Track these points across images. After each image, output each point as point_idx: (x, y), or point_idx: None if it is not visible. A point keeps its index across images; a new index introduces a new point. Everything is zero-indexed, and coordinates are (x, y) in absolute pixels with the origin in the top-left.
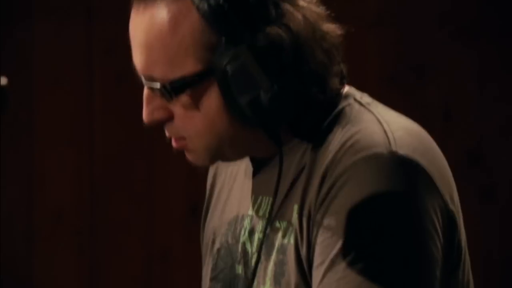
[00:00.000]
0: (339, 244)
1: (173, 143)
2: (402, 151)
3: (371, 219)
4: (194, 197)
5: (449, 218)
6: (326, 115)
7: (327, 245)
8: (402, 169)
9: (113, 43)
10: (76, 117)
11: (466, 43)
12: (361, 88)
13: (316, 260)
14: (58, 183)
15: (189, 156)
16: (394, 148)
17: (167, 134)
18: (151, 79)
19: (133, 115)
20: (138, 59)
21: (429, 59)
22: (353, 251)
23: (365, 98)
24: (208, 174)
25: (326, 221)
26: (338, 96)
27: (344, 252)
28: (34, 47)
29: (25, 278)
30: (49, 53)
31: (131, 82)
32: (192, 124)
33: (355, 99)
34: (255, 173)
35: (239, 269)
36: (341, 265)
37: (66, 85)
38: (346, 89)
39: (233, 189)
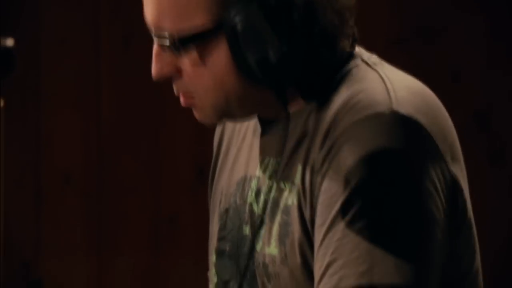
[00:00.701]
0: (338, 204)
1: (181, 100)
2: (403, 110)
3: (370, 179)
4: (201, 159)
5: (451, 180)
6: (334, 76)
7: (327, 205)
8: (403, 128)
9: (120, 4)
10: (83, 79)
11: (475, 5)
12: (369, 50)
13: (317, 220)
14: (65, 146)
15: (197, 114)
16: (395, 107)
17: (175, 90)
18: (160, 32)
19: (140, 77)
20: (149, 9)
21: (438, 21)
22: (352, 210)
23: (373, 58)
24: (215, 135)
25: (326, 181)
26: (347, 58)
27: (343, 212)
28: (40, 9)
29: (33, 240)
30: (56, 14)
31: (138, 44)
32: (200, 81)
33: (363, 60)
34: (263, 134)
35: (246, 230)
36: (340, 225)
37: (73, 47)
38: (355, 50)
39: (242, 149)
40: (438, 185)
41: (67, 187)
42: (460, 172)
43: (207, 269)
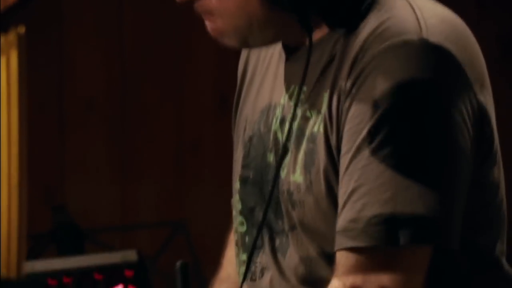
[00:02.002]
0: (364, 131)
1: (206, 24)
2: (433, 38)
3: (397, 106)
4: (224, 86)
5: (479, 109)
6: (361, 3)
7: (353, 132)
8: (433, 56)
9: None
10: (105, 6)
11: None
12: None
13: (343, 147)
14: (88, 72)
15: (219, 37)
16: (425, 35)
17: (198, 11)
18: None
19: (163, 2)
20: None
21: None
22: (378, 138)
23: None
24: (239, 63)
25: (353, 109)
26: None
27: (369, 139)
28: None
29: (57, 165)
30: None
31: None
32: (223, 3)
33: None
34: (287, 61)
35: (270, 158)
36: (365, 152)
37: None
38: None
39: (266, 77)
40: (466, 115)
41: (90, 113)
42: (488, 100)
43: (230, 195)
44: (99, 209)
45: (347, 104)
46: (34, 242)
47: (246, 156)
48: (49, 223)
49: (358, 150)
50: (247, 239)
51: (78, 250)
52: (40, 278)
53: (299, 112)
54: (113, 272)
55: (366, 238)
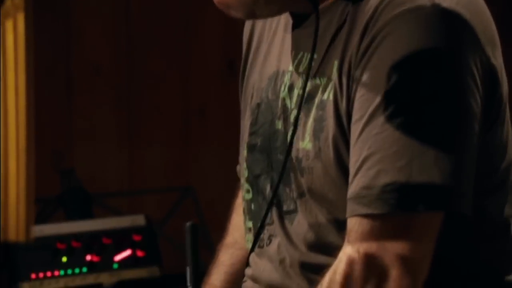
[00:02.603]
0: (378, 99)
1: None
2: (445, 3)
3: (411, 72)
4: (231, 51)
5: (490, 73)
6: None
7: (366, 99)
8: (445, 21)
9: None
10: None
11: None
12: None
13: (355, 115)
14: (95, 37)
15: (225, 9)
16: (437, 0)
17: None
18: None
19: None
20: None
21: None
22: (392, 105)
23: None
24: (244, 30)
25: (365, 76)
26: None
27: (383, 106)
28: None
29: (65, 130)
30: None
31: None
32: None
33: None
34: (295, 29)
35: (279, 124)
36: (379, 120)
37: None
38: None
39: (273, 44)
40: (478, 79)
41: (98, 78)
42: (499, 64)
43: (236, 160)
44: (107, 174)
45: (358, 71)
46: (43, 207)
47: (253, 123)
48: (57, 188)
49: (372, 117)
50: (252, 206)
51: (87, 214)
52: (49, 242)
53: (308, 79)
54: (122, 236)
55: (380, 205)
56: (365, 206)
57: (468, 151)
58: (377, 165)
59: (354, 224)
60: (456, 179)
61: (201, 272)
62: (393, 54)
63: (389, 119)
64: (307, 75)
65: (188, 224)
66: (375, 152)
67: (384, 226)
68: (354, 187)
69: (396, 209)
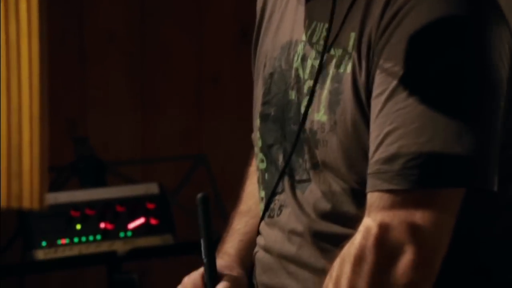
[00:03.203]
0: (401, 73)
1: None
2: None
3: (435, 47)
4: (245, 20)
5: None
6: None
7: (388, 74)
8: None
9: None
10: None
11: None
12: None
13: (376, 89)
14: (108, 5)
15: None
16: None
17: None
18: None
19: None
20: None
21: None
22: (415, 80)
23: None
24: None
25: (387, 50)
26: None
27: (406, 81)
28: None
29: (78, 98)
30: None
31: None
32: None
33: None
34: None
35: (292, 95)
36: (402, 95)
37: None
38: None
39: (286, 13)
40: (503, 50)
41: (111, 46)
42: None
43: (250, 130)
44: (120, 142)
45: (380, 45)
46: (57, 175)
47: (266, 93)
48: (71, 156)
49: (394, 92)
50: (266, 176)
51: (100, 182)
52: (63, 209)
53: (322, 50)
54: (135, 204)
55: (402, 180)
56: (386, 181)
57: (493, 125)
58: (399, 140)
59: (375, 199)
60: (480, 154)
61: (215, 240)
62: (417, 28)
63: (412, 94)
64: (325, 46)
65: (199, 195)
66: (397, 127)
67: (404, 201)
68: (374, 162)
69: (418, 185)
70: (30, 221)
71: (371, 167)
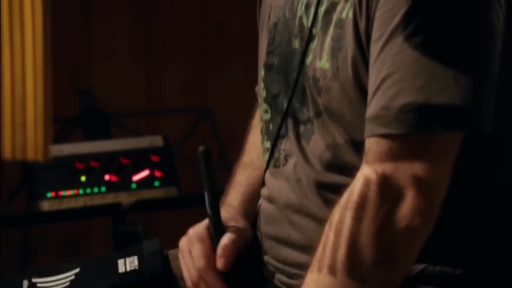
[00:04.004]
0: (397, 18)
1: None
2: None
3: None
4: None
5: None
6: None
7: (386, 18)
8: None
9: None
10: None
11: None
12: None
13: (375, 34)
14: None
15: None
16: None
17: None
18: None
19: None
20: None
21: None
22: (412, 24)
23: None
24: None
25: None
26: None
27: (402, 25)
28: None
29: (82, 50)
30: None
31: None
32: None
33: None
34: None
35: (296, 43)
36: (399, 39)
37: None
38: None
39: None
40: None
41: None
42: None
43: (254, 80)
44: (124, 94)
45: None
46: (61, 126)
47: (271, 42)
48: (75, 108)
49: (391, 36)
50: (271, 126)
51: (105, 134)
52: (67, 161)
53: None
54: (140, 156)
55: (399, 125)
56: (382, 126)
57: (490, 70)
58: (396, 85)
59: (372, 144)
60: (476, 99)
61: (219, 193)
62: None
63: (409, 38)
64: None
65: (200, 148)
66: (394, 72)
67: (401, 146)
68: (372, 107)
69: (414, 129)
70: (35, 173)
71: (369, 112)
